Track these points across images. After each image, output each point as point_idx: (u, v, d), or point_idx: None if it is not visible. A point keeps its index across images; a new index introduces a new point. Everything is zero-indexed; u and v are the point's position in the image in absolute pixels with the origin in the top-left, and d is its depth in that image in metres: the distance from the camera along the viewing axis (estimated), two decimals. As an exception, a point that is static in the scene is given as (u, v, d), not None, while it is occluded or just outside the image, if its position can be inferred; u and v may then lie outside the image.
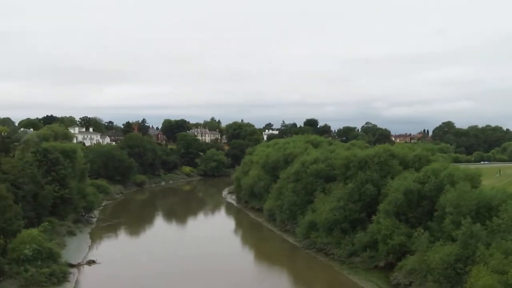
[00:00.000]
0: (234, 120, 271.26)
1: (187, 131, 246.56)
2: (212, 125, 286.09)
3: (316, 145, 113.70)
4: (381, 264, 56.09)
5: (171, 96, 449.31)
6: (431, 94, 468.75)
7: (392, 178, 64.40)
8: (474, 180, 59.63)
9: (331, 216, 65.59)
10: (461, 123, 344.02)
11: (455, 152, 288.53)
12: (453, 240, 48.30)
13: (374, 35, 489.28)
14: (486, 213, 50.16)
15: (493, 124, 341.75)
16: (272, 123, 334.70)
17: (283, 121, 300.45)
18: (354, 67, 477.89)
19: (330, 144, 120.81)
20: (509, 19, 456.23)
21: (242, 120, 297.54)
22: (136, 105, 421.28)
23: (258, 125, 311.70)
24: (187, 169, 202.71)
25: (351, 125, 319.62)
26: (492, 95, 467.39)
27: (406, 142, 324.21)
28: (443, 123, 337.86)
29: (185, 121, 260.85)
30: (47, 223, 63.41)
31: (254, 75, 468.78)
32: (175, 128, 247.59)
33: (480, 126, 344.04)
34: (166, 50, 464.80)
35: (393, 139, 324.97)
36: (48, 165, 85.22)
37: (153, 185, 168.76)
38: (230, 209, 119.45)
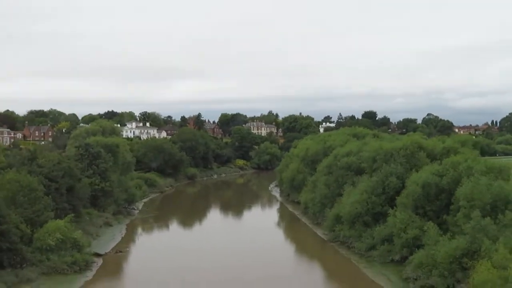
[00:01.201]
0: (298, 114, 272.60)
1: (243, 125, 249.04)
2: (269, 118, 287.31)
3: (360, 138, 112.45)
4: (397, 258, 55.23)
5: (238, 90, 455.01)
6: (505, 84, 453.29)
7: (417, 171, 63.21)
8: (502, 173, 57.96)
9: (354, 209, 65.11)
10: None
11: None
12: (465, 234, 47.23)
13: (443, 27, 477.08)
14: (503, 207, 48.85)
15: None
16: (331, 116, 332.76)
17: (340, 113, 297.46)
18: (425, 59, 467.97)
19: (375, 136, 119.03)
20: None
21: (300, 113, 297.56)
22: (201, 100, 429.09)
23: (320, 118, 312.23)
24: (240, 162, 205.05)
25: (420, 117, 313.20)
26: None
27: (470, 133, 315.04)
28: (510, 113, 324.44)
29: (241, 114, 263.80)
30: (73, 214, 66.10)
31: (320, 69, 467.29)
32: (231, 122, 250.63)
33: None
34: (234, 47, 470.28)
35: (457, 130, 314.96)
36: (90, 158, 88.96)
37: (205, 178, 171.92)
38: (272, 202, 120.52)
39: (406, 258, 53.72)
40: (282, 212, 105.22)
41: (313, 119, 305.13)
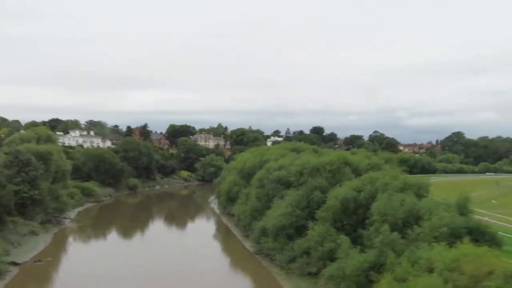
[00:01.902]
0: (257, 127, 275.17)
1: (190, 136, 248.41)
2: (218, 131, 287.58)
3: (299, 153, 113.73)
4: (314, 270, 56.16)
5: (195, 102, 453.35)
6: (454, 105, 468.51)
7: (341, 186, 64.49)
8: (420, 190, 59.97)
9: (278, 222, 65.89)
10: (486, 134, 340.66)
11: (462, 163, 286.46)
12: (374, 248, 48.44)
13: (396, 46, 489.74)
14: (414, 222, 50.38)
15: None
16: (280, 131, 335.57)
17: (287, 128, 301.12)
18: (378, 77, 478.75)
19: (316, 151, 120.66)
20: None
21: (250, 127, 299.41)
22: (157, 110, 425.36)
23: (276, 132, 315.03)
24: (185, 173, 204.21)
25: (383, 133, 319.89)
26: None
27: (414, 151, 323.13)
28: (453, 133, 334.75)
29: (189, 126, 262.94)
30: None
31: (278, 84, 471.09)
32: (179, 133, 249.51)
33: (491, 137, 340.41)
34: (192, 58, 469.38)
35: (402, 148, 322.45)
36: (19, 166, 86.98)
37: (147, 189, 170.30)
38: (209, 214, 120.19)
39: (321, 271, 54.65)
40: (217, 224, 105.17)
41: (263, 133, 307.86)
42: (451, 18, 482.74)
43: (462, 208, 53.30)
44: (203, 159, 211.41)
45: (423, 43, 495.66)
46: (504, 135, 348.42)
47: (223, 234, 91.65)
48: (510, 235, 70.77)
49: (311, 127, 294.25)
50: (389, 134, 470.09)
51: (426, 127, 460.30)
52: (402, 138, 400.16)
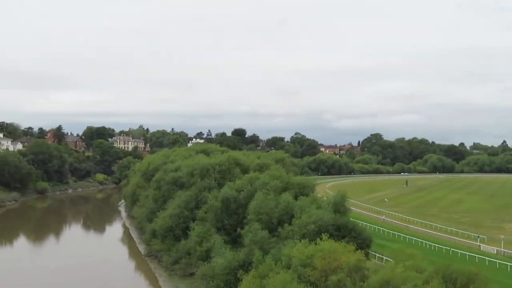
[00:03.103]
0: (182, 129, 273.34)
1: (108, 139, 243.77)
2: (138, 133, 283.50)
3: (209, 154, 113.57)
4: (194, 270, 56.19)
5: (116, 103, 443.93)
6: (377, 107, 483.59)
7: (229, 186, 64.89)
8: (305, 189, 61.35)
9: (165, 223, 65.64)
10: (409, 135, 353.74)
11: (379, 163, 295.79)
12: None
13: (322, 48, 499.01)
14: (288, 220, 51.42)
15: (439, 138, 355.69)
16: (203, 133, 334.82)
17: (209, 130, 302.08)
18: (305, 79, 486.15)
19: (223, 152, 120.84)
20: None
21: (172, 129, 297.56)
22: (77, 112, 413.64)
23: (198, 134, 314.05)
24: (100, 177, 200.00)
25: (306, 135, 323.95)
26: (439, 110, 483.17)
27: (335, 153, 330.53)
28: (371, 135, 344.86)
29: (106, 128, 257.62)
30: None
31: (204, 85, 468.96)
32: (97, 135, 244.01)
33: (407, 138, 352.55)
34: (113, 57, 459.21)
35: (323, 149, 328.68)
36: None
37: (58, 193, 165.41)
38: (115, 217, 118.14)
39: (199, 271, 54.80)
40: (119, 227, 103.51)
41: (186, 135, 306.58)
42: (366, 25, 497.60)
43: (339, 206, 54.63)
44: (120, 161, 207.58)
45: (341, 49, 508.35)
46: (424, 136, 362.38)
47: (122, 238, 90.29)
48: (394, 232, 73.87)
49: (233, 129, 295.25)
50: (316, 136, 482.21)
51: (351, 129, 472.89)
52: (329, 140, 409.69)
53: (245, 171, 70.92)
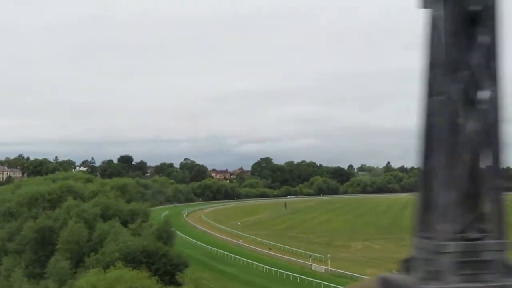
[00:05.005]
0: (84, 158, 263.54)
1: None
2: (17, 162, 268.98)
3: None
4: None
5: (11, 131, 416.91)
6: (280, 132, 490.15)
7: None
8: (136, 216, 59.67)
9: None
10: (310, 158, 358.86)
11: (268, 187, 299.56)
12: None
13: (222, 73, 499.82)
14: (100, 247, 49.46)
15: (337, 161, 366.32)
16: (92, 160, 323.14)
17: (92, 157, 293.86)
18: (206, 104, 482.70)
19: (87, 180, 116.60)
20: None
21: (56, 157, 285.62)
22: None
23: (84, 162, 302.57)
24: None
25: (206, 162, 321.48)
26: (338, 133, 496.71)
27: (225, 177, 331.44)
28: (261, 158, 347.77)
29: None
30: None
31: (104, 111, 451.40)
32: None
33: (296, 161, 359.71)
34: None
35: (214, 175, 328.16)
36: None
37: None
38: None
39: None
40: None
41: (74, 163, 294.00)
42: (269, 50, 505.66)
43: (161, 233, 53.60)
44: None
45: (240, 73, 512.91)
46: (322, 159, 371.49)
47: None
48: (237, 256, 73.65)
49: (119, 156, 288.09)
50: (221, 161, 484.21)
51: (255, 153, 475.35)
52: (233, 165, 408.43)
53: (79, 197, 67.98)
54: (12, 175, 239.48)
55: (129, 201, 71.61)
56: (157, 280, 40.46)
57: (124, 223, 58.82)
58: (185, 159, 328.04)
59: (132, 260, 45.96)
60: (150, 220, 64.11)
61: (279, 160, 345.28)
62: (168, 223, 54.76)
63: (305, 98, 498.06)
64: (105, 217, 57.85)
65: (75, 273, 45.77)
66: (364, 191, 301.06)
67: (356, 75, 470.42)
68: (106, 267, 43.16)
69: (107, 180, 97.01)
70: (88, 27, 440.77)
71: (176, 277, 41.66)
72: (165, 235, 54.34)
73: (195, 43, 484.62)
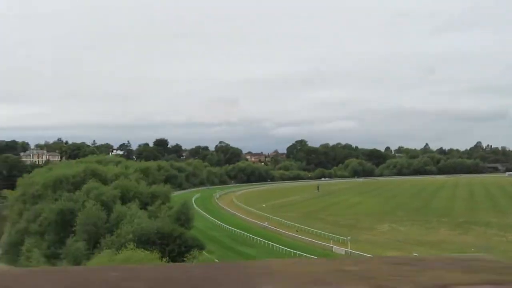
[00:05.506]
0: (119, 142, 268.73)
1: (22, 153, 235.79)
2: (54, 146, 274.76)
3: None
4: None
5: (53, 116, 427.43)
6: (315, 115, 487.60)
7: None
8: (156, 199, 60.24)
9: (11, 239, 62.91)
10: (346, 141, 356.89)
11: (303, 169, 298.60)
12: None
13: (255, 56, 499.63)
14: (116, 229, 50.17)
15: (374, 144, 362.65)
16: (129, 144, 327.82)
17: (128, 141, 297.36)
18: (240, 88, 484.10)
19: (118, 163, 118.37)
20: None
21: (94, 141, 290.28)
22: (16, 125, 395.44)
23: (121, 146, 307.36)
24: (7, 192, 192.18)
25: (241, 145, 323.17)
26: (373, 116, 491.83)
27: (260, 160, 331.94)
28: (296, 141, 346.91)
29: (17, 142, 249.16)
30: None
31: (140, 97, 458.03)
32: (6, 150, 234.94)
33: (332, 144, 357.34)
34: (46, 69, 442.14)
35: (249, 157, 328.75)
36: None
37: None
38: None
39: None
40: None
41: (111, 146, 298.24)
42: (295, 34, 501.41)
43: (181, 214, 53.94)
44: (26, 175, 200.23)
45: (269, 57, 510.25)
46: (357, 142, 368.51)
47: None
48: (259, 238, 73.56)
49: (155, 139, 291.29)
50: (256, 144, 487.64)
51: (290, 136, 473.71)
52: (268, 148, 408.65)
53: (103, 180, 68.99)
54: (51, 159, 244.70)
55: (152, 183, 72.23)
56: (168, 261, 40.69)
57: (145, 205, 59.50)
58: (220, 142, 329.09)
59: (146, 241, 46.45)
60: (171, 203, 64.57)
61: (315, 143, 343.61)
62: (187, 206, 54.84)
63: (341, 81, 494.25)
64: (125, 200, 58.57)
65: (91, 254, 46.45)
66: (400, 173, 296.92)
67: (392, 56, 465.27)
68: (120, 248, 43.79)
69: (130, 163, 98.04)
70: (127, 14, 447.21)
71: (184, 258, 41.75)
72: (183, 217, 54.55)
73: (232, 28, 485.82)
